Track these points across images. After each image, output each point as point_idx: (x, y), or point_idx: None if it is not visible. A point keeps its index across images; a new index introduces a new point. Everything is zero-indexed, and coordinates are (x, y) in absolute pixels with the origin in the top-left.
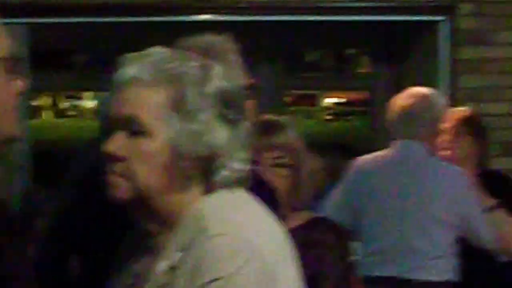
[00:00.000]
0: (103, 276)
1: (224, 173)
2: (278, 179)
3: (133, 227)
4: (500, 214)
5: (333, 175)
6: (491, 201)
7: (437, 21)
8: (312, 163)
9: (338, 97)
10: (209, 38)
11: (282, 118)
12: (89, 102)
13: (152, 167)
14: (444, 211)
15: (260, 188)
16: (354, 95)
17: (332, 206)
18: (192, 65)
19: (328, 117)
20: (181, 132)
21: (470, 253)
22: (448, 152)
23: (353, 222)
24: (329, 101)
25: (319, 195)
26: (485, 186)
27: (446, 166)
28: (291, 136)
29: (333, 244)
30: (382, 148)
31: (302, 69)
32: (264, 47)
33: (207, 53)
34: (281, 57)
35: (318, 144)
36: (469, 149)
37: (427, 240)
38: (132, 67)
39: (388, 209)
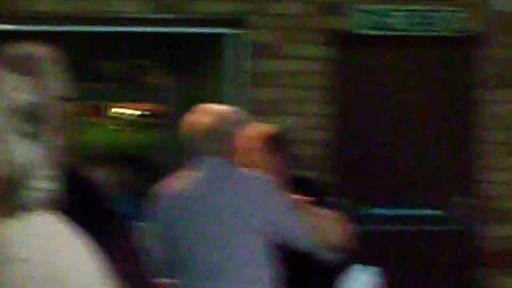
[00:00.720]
0: None
1: (28, 194)
2: None
3: None
4: (309, 209)
5: (121, 187)
6: (301, 200)
7: (227, 34)
8: (101, 174)
9: (127, 108)
10: (27, 48)
11: None
12: None
13: None
14: (255, 220)
15: (82, 185)
16: (144, 107)
17: (149, 238)
18: None
19: (117, 128)
20: None
21: (295, 261)
22: (253, 169)
23: (172, 250)
24: (118, 112)
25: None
26: (295, 192)
27: (249, 175)
28: None
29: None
30: (171, 160)
31: (91, 80)
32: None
33: (24, 63)
34: (70, 67)
35: (106, 156)
36: (273, 164)
37: (244, 252)
38: None
39: (200, 229)
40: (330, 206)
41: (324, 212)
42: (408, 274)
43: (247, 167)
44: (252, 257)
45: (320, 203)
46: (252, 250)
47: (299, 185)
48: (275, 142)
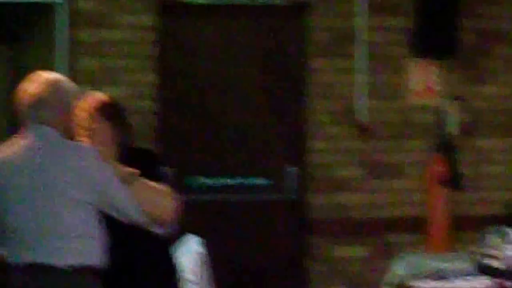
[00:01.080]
0: None
1: None
2: None
3: None
4: (141, 182)
5: None
6: (130, 172)
7: (55, 2)
8: None
9: None
10: None
11: None
12: None
13: None
14: (79, 191)
15: None
16: None
17: None
18: None
19: None
20: None
21: (122, 232)
22: (87, 139)
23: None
24: None
25: None
26: (129, 162)
27: (75, 145)
28: None
29: None
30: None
31: None
32: None
33: None
34: None
35: None
36: (107, 134)
37: (66, 223)
38: None
39: (23, 198)
40: (161, 177)
41: (154, 184)
42: (238, 244)
43: (78, 137)
44: (74, 228)
45: (151, 174)
46: (75, 221)
47: (131, 156)
48: (107, 112)
